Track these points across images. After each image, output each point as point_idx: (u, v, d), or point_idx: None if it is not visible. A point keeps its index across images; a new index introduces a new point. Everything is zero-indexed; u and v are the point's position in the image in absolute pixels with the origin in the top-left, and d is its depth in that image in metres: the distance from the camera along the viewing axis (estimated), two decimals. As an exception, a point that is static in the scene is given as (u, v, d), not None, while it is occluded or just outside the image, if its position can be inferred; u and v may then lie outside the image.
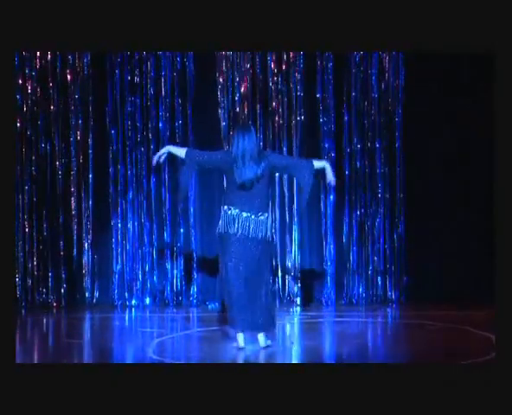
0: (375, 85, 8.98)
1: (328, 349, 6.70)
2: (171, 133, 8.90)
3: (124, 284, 8.99)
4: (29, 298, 8.89)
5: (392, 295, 9.03)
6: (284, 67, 8.95)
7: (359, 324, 7.96)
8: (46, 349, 6.67)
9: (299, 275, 9.01)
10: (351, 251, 9.04)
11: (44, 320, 8.32)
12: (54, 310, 8.78)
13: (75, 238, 8.96)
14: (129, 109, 8.93)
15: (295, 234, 9.00)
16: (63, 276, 8.96)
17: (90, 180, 8.96)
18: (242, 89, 8.92)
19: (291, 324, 7.90)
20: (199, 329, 7.51)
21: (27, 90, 8.82)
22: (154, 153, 6.45)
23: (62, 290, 8.96)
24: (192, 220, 8.97)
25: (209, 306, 8.75)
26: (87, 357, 6.40)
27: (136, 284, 8.99)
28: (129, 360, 6.04)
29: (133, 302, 8.95)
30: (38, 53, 8.82)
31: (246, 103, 8.90)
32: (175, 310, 8.71)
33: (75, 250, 8.97)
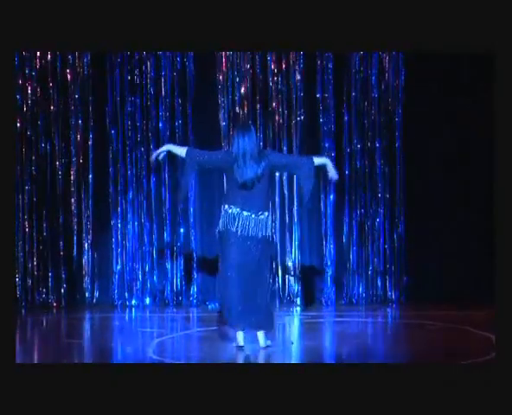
0: (375, 85, 8.98)
1: (328, 349, 6.70)
2: (171, 133, 8.91)
3: (124, 284, 8.99)
4: (29, 298, 8.89)
5: (392, 295, 9.04)
6: (284, 66, 8.95)
7: (359, 324, 7.96)
8: (46, 349, 6.67)
9: (300, 275, 9.01)
10: (351, 251, 9.04)
11: (44, 320, 8.32)
12: (54, 310, 8.78)
13: (75, 238, 8.96)
14: (129, 109, 8.94)
15: (295, 234, 9.00)
16: (63, 276, 8.96)
17: (90, 180, 8.96)
18: (242, 89, 8.92)
19: (291, 324, 7.90)
20: (199, 329, 7.51)
21: (27, 90, 8.83)
22: (155, 160, 6.41)
23: (62, 290, 8.96)
24: (192, 219, 8.98)
25: (209, 306, 8.75)
26: (87, 357, 6.40)
27: (136, 284, 8.99)
28: (129, 360, 6.04)
29: (133, 302, 8.95)
30: (38, 53, 8.83)
31: (246, 103, 8.90)
32: (175, 310, 8.71)
33: (75, 250, 8.97)
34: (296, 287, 8.99)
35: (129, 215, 8.97)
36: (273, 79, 8.94)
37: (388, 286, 9.06)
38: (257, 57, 8.91)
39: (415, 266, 8.98)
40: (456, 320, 7.51)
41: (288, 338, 7.15)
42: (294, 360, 6.12)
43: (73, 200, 8.94)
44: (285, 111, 8.96)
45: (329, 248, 9.01)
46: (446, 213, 8.99)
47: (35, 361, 6.03)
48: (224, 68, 8.91)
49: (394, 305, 8.92)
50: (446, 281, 8.86)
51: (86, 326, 8.17)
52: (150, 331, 7.64)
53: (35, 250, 8.92)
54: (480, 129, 8.65)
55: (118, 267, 9.00)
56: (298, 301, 8.96)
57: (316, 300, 9.00)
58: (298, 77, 8.96)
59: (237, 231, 5.95)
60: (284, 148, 8.91)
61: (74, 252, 8.98)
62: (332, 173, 6.14)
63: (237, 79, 8.91)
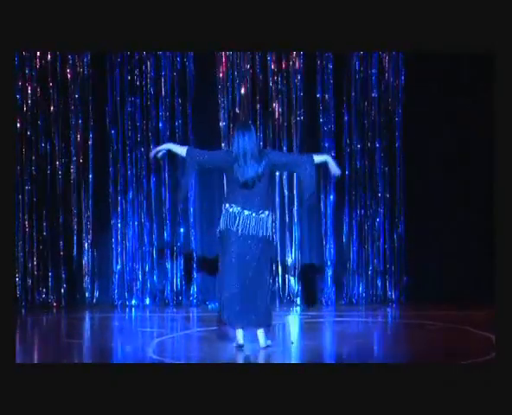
0: (375, 85, 8.98)
1: (328, 349, 6.70)
2: (171, 133, 8.90)
3: (124, 283, 8.98)
4: (29, 298, 8.88)
5: (392, 295, 9.03)
6: (284, 66, 8.95)
7: (359, 324, 7.96)
8: (46, 349, 6.67)
9: (300, 275, 9.01)
10: (351, 251, 9.04)
11: (44, 320, 8.32)
12: (54, 310, 8.78)
13: (75, 238, 8.96)
14: (129, 109, 8.93)
15: (295, 234, 9.00)
16: (63, 276, 8.95)
17: (90, 180, 8.96)
18: (242, 89, 8.91)
19: (291, 324, 7.90)
20: (199, 329, 7.51)
21: (27, 90, 8.83)
22: (153, 158, 6.43)
23: (62, 290, 8.95)
24: (192, 219, 8.97)
25: (209, 306, 8.75)
26: (87, 357, 6.40)
27: (136, 284, 8.99)
28: (129, 360, 6.04)
29: (133, 302, 8.95)
30: (38, 53, 8.82)
31: (246, 103, 8.90)
32: (175, 310, 8.71)
33: (75, 250, 8.97)
34: (296, 287, 8.99)
35: (129, 215, 8.97)
36: (273, 79, 8.94)
37: (388, 286, 9.05)
38: (257, 57, 8.91)
39: (415, 266, 8.98)
40: (456, 320, 7.51)
41: (288, 338, 7.15)
42: (294, 360, 6.12)
43: (73, 200, 8.94)
44: (285, 111, 8.96)
45: (329, 248, 9.01)
46: (446, 213, 8.98)
47: (35, 361, 6.03)
48: (224, 68, 8.91)
49: (394, 305, 8.91)
50: (446, 281, 8.86)
51: (86, 326, 8.17)
52: (150, 331, 7.64)
53: (35, 250, 8.92)
54: (480, 129, 8.65)
55: (118, 267, 9.00)
56: (298, 301, 8.96)
57: (317, 301, 8.99)
58: (298, 77, 8.95)
59: (237, 230, 5.97)
60: (284, 148, 8.91)
61: (74, 252, 8.98)
62: (334, 169, 6.15)
63: (237, 80, 8.91)
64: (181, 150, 6.18)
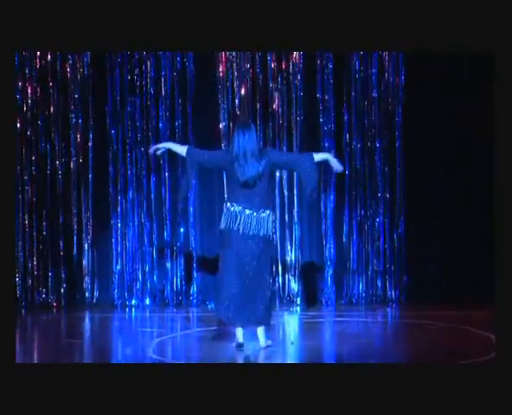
0: (375, 85, 8.98)
1: (328, 349, 6.70)
2: (171, 133, 8.90)
3: (124, 283, 8.98)
4: (29, 298, 8.88)
5: (392, 295, 9.03)
6: (284, 66, 8.95)
7: (359, 324, 7.96)
8: (46, 349, 6.67)
9: (300, 275, 9.01)
10: (351, 250, 9.04)
11: (44, 320, 8.32)
12: (54, 310, 8.78)
13: (75, 238, 8.96)
14: (129, 109, 8.93)
15: (295, 234, 9.00)
16: (63, 276, 8.95)
17: (90, 180, 8.96)
18: (242, 89, 8.91)
19: (291, 324, 7.90)
20: (199, 329, 7.51)
21: (27, 90, 8.83)
22: (153, 154, 6.45)
23: (62, 290, 8.95)
24: (192, 219, 8.98)
25: (209, 306, 8.75)
26: (87, 357, 6.40)
27: (136, 284, 8.99)
28: (129, 360, 6.04)
29: (133, 302, 8.95)
30: (38, 53, 8.82)
31: (246, 103, 8.90)
32: (175, 310, 8.71)
33: (75, 250, 8.97)
34: (296, 287, 8.99)
35: (129, 215, 8.97)
36: (273, 79, 8.94)
37: (388, 286, 9.05)
38: (257, 57, 8.91)
39: (415, 266, 8.98)
40: (456, 320, 7.51)
41: (288, 338, 7.15)
42: (294, 360, 6.12)
43: (73, 200, 8.94)
44: (285, 111, 8.96)
45: (329, 248, 9.01)
46: (446, 213, 8.98)
47: (35, 361, 6.03)
48: (224, 68, 8.91)
49: (394, 305, 8.91)
50: (446, 281, 8.86)
51: (86, 326, 8.17)
52: (150, 331, 7.64)
53: (35, 250, 8.92)
54: (480, 129, 8.65)
55: (118, 267, 8.99)
56: (298, 301, 8.96)
57: (318, 301, 8.99)
58: (298, 77, 8.95)
59: (239, 229, 5.97)
60: (284, 147, 8.91)
61: (74, 252, 8.98)
62: (336, 165, 6.16)
63: (237, 80, 8.91)
64: (181, 150, 6.19)
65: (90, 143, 8.94)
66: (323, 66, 8.95)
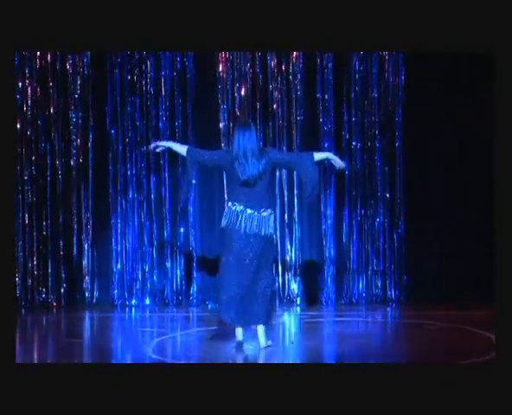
0: (375, 84, 8.98)
1: (328, 349, 6.70)
2: (171, 133, 8.90)
3: (124, 283, 8.99)
4: (29, 298, 8.88)
5: (392, 295, 9.03)
6: (284, 66, 8.95)
7: (359, 324, 7.96)
8: (46, 349, 6.67)
9: (300, 275, 9.01)
10: (351, 250, 9.04)
11: (44, 320, 8.32)
12: (54, 310, 8.78)
13: (75, 237, 8.96)
14: (129, 109, 8.94)
15: (295, 234, 9.00)
16: (63, 275, 8.95)
17: (90, 180, 8.96)
18: (242, 89, 8.91)
19: (291, 324, 7.90)
20: (199, 329, 7.51)
21: (27, 90, 8.83)
22: (153, 151, 6.46)
23: (62, 290, 8.95)
24: (192, 219, 8.98)
25: (209, 306, 8.75)
26: (87, 357, 6.40)
27: (136, 284, 8.99)
28: (129, 360, 6.04)
29: (133, 302, 8.95)
30: (38, 53, 8.82)
31: (245, 103, 8.90)
32: (175, 310, 8.71)
33: (75, 249, 8.97)
34: (296, 287, 8.99)
35: (129, 215, 8.97)
36: (273, 79, 8.94)
37: (388, 286, 9.05)
38: (257, 57, 8.91)
39: (415, 266, 8.98)
40: (456, 320, 7.51)
41: (288, 338, 7.15)
42: (294, 360, 6.12)
43: (73, 199, 8.94)
44: (286, 111, 8.96)
45: (329, 248, 9.01)
46: (446, 213, 8.98)
47: (35, 361, 6.03)
48: (224, 68, 8.91)
49: (394, 305, 8.91)
50: (446, 281, 8.86)
51: (86, 326, 8.17)
52: (150, 331, 7.64)
53: (35, 249, 8.92)
54: (480, 129, 8.65)
55: (118, 267, 9.00)
56: (298, 301, 8.96)
57: (318, 301, 8.99)
58: (298, 77, 8.95)
59: (240, 228, 5.97)
60: (284, 147, 8.91)
61: (74, 252, 8.98)
62: (338, 163, 6.16)
63: (237, 80, 8.90)
64: (181, 149, 6.19)
65: (90, 143, 8.94)
66: (323, 66, 8.95)
